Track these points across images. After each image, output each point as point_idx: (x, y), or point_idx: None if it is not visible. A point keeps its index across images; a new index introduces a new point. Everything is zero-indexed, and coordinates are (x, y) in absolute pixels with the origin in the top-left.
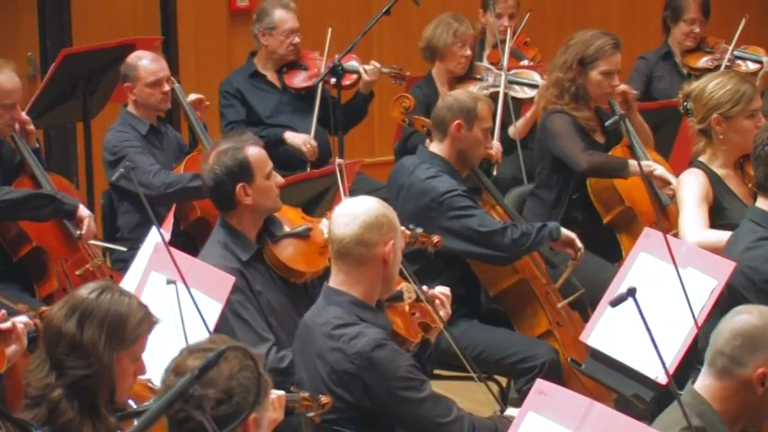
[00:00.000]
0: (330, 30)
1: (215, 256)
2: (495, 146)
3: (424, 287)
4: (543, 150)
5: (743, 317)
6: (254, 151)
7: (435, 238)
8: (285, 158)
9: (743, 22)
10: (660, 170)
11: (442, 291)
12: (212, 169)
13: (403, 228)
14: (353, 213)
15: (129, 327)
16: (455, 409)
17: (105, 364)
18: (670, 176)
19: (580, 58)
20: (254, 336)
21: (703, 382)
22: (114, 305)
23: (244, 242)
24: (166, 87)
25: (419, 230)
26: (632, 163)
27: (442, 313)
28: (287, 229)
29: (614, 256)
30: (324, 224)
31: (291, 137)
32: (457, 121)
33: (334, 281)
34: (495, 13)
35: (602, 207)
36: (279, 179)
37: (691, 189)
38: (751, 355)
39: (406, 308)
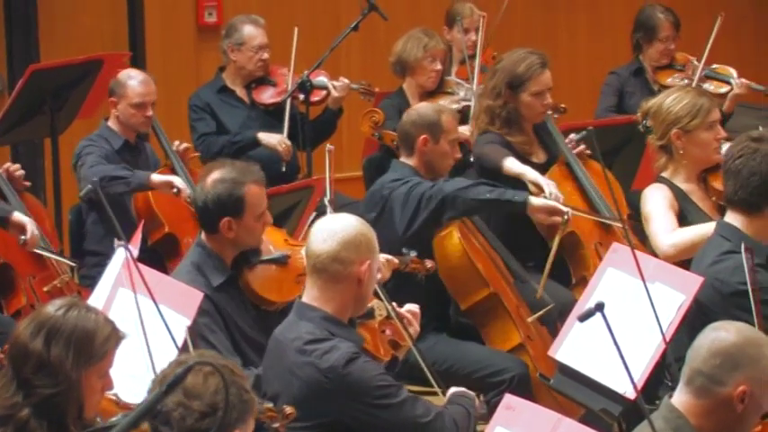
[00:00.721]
0: (296, 30)
1: (185, 278)
2: (465, 129)
3: (394, 303)
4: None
5: (720, 334)
6: (253, 191)
7: (428, 264)
8: None
9: (718, 21)
10: (531, 175)
11: (409, 309)
12: (205, 192)
13: (390, 257)
14: (333, 230)
15: (96, 343)
16: (433, 407)
17: (73, 381)
18: (543, 181)
19: (508, 82)
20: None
21: (680, 399)
22: (81, 321)
23: (218, 265)
24: (150, 112)
25: (413, 254)
26: (510, 161)
27: (411, 330)
28: (266, 253)
29: (567, 280)
30: (305, 251)
31: (266, 137)
32: (423, 136)
33: (308, 296)
34: (463, 28)
35: (546, 233)
36: (268, 219)
37: (656, 200)
38: (730, 373)
39: (377, 325)
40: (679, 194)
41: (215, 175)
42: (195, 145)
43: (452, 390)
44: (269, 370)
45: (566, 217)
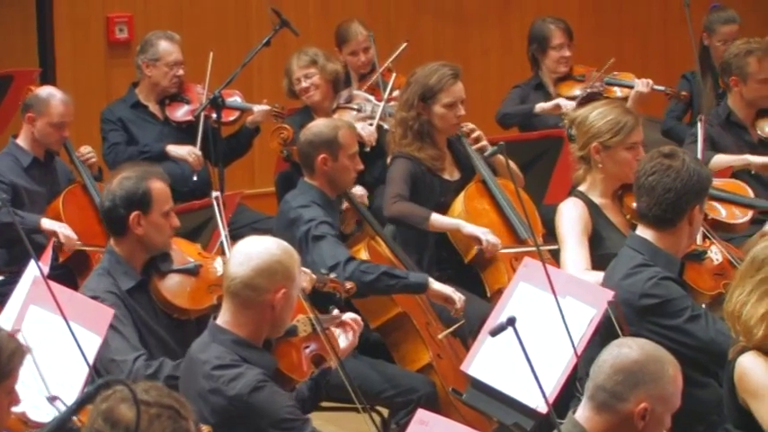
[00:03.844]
0: (211, 54)
1: (94, 281)
2: (369, 131)
3: (337, 311)
4: None
5: (623, 351)
6: (158, 186)
7: (348, 285)
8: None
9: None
10: (468, 228)
11: (354, 318)
12: (112, 191)
13: (308, 270)
14: (249, 254)
15: (1, 362)
16: None
17: None
18: (479, 233)
19: (421, 94)
20: (126, 345)
21: (583, 414)
22: None
23: (127, 271)
24: (66, 132)
25: (332, 275)
26: (435, 218)
27: (351, 339)
28: (177, 264)
29: (483, 293)
30: (218, 262)
31: (174, 149)
32: (321, 156)
33: (222, 318)
34: (350, 52)
35: (461, 247)
36: (175, 221)
37: (572, 222)
38: (632, 390)
39: (299, 342)
40: (594, 210)
41: (120, 176)
42: (104, 154)
43: None
44: (184, 389)
45: (458, 306)
